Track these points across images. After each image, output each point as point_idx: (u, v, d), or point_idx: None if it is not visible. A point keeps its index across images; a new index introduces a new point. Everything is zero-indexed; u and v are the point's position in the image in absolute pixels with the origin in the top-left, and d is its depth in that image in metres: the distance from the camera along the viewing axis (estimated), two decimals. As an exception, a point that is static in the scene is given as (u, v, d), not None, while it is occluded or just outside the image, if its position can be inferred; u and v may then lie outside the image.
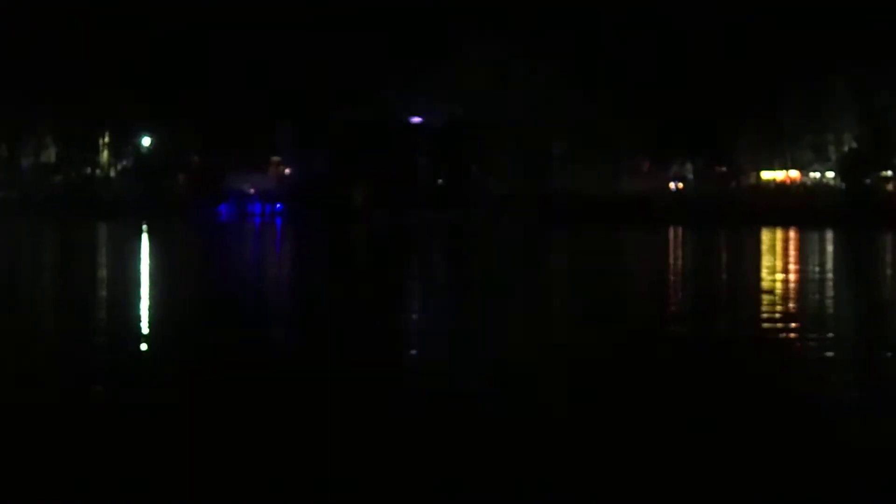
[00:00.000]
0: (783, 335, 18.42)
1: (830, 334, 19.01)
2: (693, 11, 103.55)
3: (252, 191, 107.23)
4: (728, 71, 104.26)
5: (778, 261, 41.48)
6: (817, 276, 33.90)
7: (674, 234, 70.26)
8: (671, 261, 43.43)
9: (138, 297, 24.32)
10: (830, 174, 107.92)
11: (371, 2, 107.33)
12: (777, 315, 21.23)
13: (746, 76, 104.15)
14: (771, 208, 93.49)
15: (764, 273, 34.99)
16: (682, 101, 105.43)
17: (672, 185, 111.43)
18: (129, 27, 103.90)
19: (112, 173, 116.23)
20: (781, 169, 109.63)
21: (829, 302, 25.15)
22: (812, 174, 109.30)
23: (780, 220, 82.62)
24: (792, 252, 48.91)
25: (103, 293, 26.07)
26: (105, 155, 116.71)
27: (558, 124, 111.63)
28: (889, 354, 16.70)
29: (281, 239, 64.03)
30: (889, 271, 38.69)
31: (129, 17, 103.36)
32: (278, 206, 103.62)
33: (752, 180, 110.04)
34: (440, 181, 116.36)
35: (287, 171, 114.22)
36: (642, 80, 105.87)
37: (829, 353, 16.33)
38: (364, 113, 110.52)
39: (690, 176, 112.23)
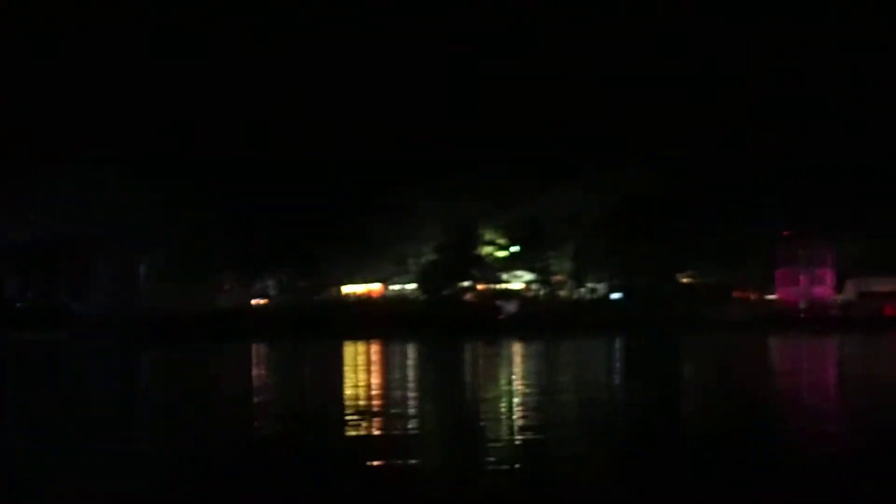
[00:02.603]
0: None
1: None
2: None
3: None
4: (311, 188, 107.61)
5: (346, 375, 42.47)
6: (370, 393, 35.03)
7: (256, 349, 70.96)
8: (243, 377, 43.74)
9: None
10: (411, 286, 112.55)
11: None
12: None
13: (328, 193, 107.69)
14: (353, 321, 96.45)
15: (327, 389, 35.74)
16: (267, 219, 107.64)
17: (255, 300, 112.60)
18: None
19: None
20: (363, 282, 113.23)
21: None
22: (393, 286, 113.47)
23: (363, 333, 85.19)
24: (372, 366, 50.20)
25: None
26: None
27: (146, 242, 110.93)
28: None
29: None
30: (468, 381, 40.34)
31: None
32: None
33: (334, 294, 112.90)
34: (27, 301, 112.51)
35: None
36: (230, 200, 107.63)
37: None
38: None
39: (273, 291, 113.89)
